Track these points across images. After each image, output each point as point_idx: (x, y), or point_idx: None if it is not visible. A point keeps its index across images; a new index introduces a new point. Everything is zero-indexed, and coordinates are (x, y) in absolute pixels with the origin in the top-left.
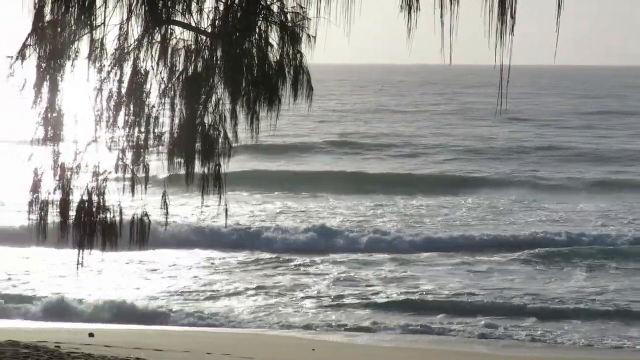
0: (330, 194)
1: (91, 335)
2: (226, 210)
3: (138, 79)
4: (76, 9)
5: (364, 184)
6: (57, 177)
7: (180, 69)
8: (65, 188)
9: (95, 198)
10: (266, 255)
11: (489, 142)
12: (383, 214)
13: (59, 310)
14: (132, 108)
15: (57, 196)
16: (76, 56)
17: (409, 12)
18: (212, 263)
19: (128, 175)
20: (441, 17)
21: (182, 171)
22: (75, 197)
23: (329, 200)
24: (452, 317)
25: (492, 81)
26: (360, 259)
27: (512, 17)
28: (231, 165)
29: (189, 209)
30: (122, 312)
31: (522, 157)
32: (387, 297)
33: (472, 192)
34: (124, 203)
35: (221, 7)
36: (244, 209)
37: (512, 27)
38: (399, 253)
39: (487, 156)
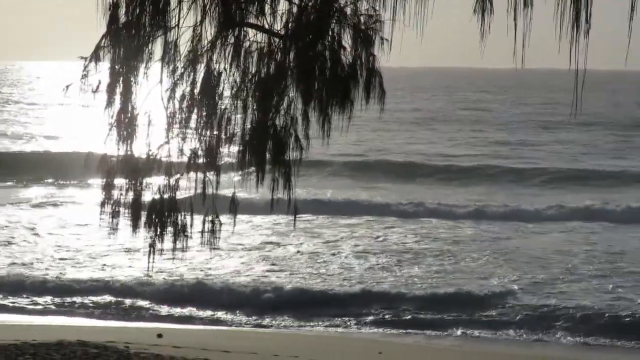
0: None
1: (160, 336)
2: (295, 210)
3: (211, 81)
4: (150, 11)
5: None
6: (130, 179)
7: (253, 71)
8: (137, 189)
9: (166, 199)
10: None
11: None
12: None
13: None
14: (204, 110)
15: (129, 197)
16: (150, 58)
17: (483, 15)
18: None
19: (200, 176)
20: (514, 19)
21: (253, 172)
22: (147, 199)
23: None
24: None
25: None
26: None
27: (587, 21)
28: None
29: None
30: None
31: None
32: None
33: None
34: (195, 205)
35: (294, 10)
36: None
37: (587, 31)
38: None
39: None
